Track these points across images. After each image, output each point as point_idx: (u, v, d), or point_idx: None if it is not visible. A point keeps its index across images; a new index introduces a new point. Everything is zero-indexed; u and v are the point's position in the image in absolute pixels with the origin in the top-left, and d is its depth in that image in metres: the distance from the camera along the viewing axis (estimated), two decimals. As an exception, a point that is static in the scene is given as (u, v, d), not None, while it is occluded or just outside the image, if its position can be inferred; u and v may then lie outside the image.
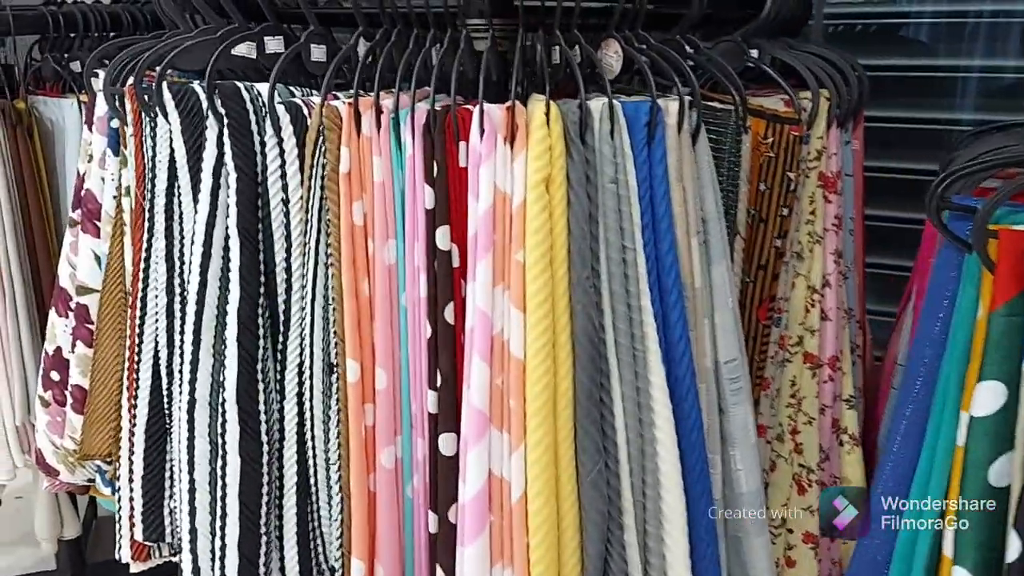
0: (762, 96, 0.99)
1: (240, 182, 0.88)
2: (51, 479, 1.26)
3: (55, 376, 1.22)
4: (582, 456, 0.83)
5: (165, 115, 0.92)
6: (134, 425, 1.03)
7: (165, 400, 1.01)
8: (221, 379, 0.90)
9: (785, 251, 1.00)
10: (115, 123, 1.11)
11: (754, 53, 1.02)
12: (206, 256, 0.90)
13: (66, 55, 1.48)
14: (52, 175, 1.46)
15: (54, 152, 1.45)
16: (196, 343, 0.90)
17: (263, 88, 0.91)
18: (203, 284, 0.90)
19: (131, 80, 0.97)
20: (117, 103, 1.04)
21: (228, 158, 0.88)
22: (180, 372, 0.94)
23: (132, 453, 1.04)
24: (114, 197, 1.12)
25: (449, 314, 0.85)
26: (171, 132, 0.93)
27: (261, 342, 0.91)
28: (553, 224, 0.81)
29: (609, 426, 0.83)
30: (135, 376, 1.03)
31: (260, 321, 0.91)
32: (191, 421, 0.91)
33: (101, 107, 1.12)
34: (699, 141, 0.85)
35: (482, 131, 0.80)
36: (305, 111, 0.89)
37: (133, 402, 1.03)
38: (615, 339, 0.83)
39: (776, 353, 1.04)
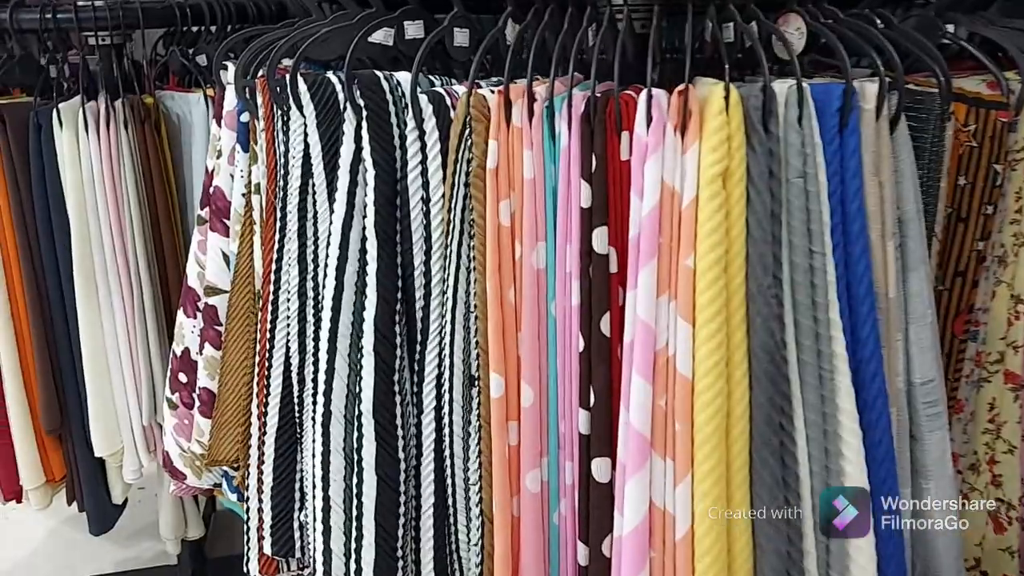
0: (961, 77, 0.87)
1: (378, 179, 0.83)
2: (177, 482, 1.25)
3: (183, 378, 1.21)
4: (758, 489, 0.74)
5: (300, 108, 0.87)
6: (264, 434, 1.00)
7: (296, 408, 0.98)
8: (357, 390, 0.85)
9: (987, 255, 0.88)
10: (245, 117, 1.07)
11: (950, 28, 0.90)
12: (342, 259, 0.85)
13: (192, 49, 1.47)
14: (179, 171, 1.46)
15: (181, 147, 1.45)
16: (331, 352, 0.86)
17: (403, 77, 0.85)
18: (339, 289, 0.85)
19: (263, 72, 0.93)
20: (248, 96, 1.01)
21: (367, 153, 0.83)
22: (314, 381, 0.90)
23: (262, 463, 1.00)
24: (243, 194, 1.10)
25: (605, 325, 0.77)
26: (306, 126, 0.88)
27: (398, 351, 0.86)
28: (730, 225, 0.72)
29: (790, 456, 0.74)
30: (265, 382, 0.99)
31: (397, 329, 0.85)
32: (326, 435, 0.86)
33: (230, 101, 1.09)
34: (898, 129, 0.75)
35: (649, 119, 0.72)
36: (448, 101, 0.82)
37: (263, 409, 1.00)
38: (798, 356, 0.73)
39: (972, 371, 0.92)
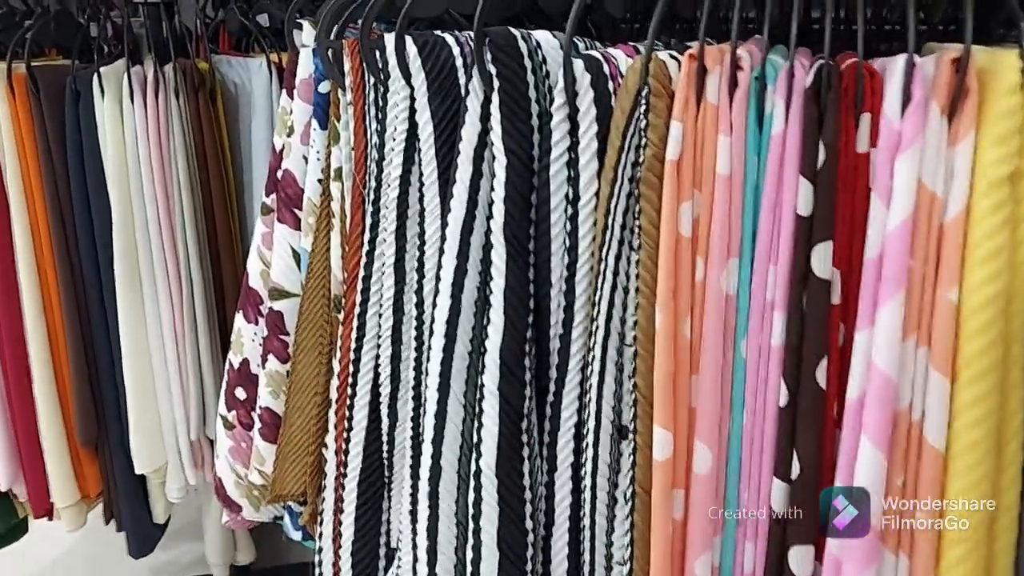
0: None
1: (511, 170, 0.65)
2: (232, 513, 1.10)
3: (240, 394, 1.05)
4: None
5: (407, 77, 0.70)
6: (343, 475, 0.83)
7: (385, 449, 0.81)
8: (475, 440, 0.67)
9: None
10: (325, 87, 0.90)
11: None
12: (459, 271, 0.67)
13: (251, 7, 1.30)
14: (235, 148, 1.29)
15: (238, 121, 1.28)
16: (443, 390, 0.68)
17: (542, 37, 0.67)
18: (454, 310, 0.68)
19: (351, 32, 0.76)
20: (331, 62, 0.83)
21: (496, 136, 0.65)
22: (416, 424, 0.73)
23: (340, 511, 0.84)
24: (319, 181, 0.92)
25: (821, 374, 0.59)
26: (412, 100, 0.70)
27: (527, 391, 0.68)
28: (1016, 246, 0.53)
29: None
30: (347, 413, 0.82)
31: (527, 363, 0.68)
32: (433, 495, 0.69)
33: (306, 67, 0.92)
34: None
35: (907, 97, 0.53)
36: (607, 69, 0.64)
37: (343, 445, 0.83)
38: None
39: None
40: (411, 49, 0.69)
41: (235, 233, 1.28)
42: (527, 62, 0.65)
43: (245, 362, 1.05)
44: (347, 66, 0.81)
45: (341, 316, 0.87)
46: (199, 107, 1.20)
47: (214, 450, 1.12)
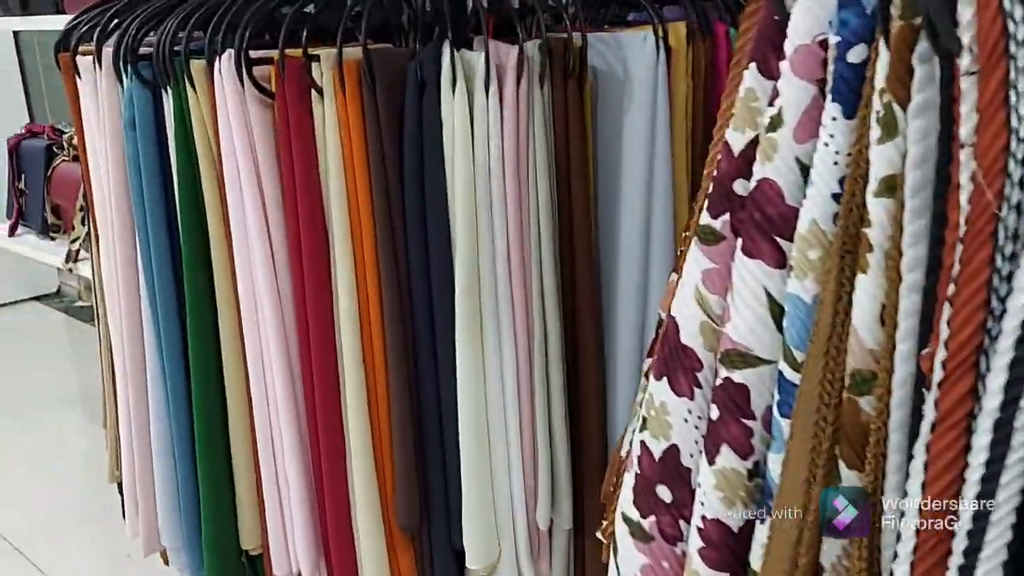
0: None
1: None
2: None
3: (664, 494, 0.78)
4: None
5: None
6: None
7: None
8: None
9: None
10: (857, 54, 0.61)
11: None
12: None
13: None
14: (594, 149, 1.03)
15: (603, 116, 1.02)
16: None
17: None
18: None
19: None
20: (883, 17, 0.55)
21: None
22: None
23: None
24: (834, 196, 0.64)
25: None
26: None
27: None
28: None
29: None
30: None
31: None
32: None
33: (810, 25, 0.64)
34: None
35: None
36: None
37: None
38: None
39: None
40: None
41: (594, 256, 1.02)
42: None
43: (672, 450, 0.77)
44: (967, 18, 0.51)
45: (878, 406, 0.58)
46: (567, 98, 0.95)
47: (612, 559, 0.85)
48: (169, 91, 1.02)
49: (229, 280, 1.05)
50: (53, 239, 2.61)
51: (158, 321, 1.11)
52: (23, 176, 2.63)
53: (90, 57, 1.12)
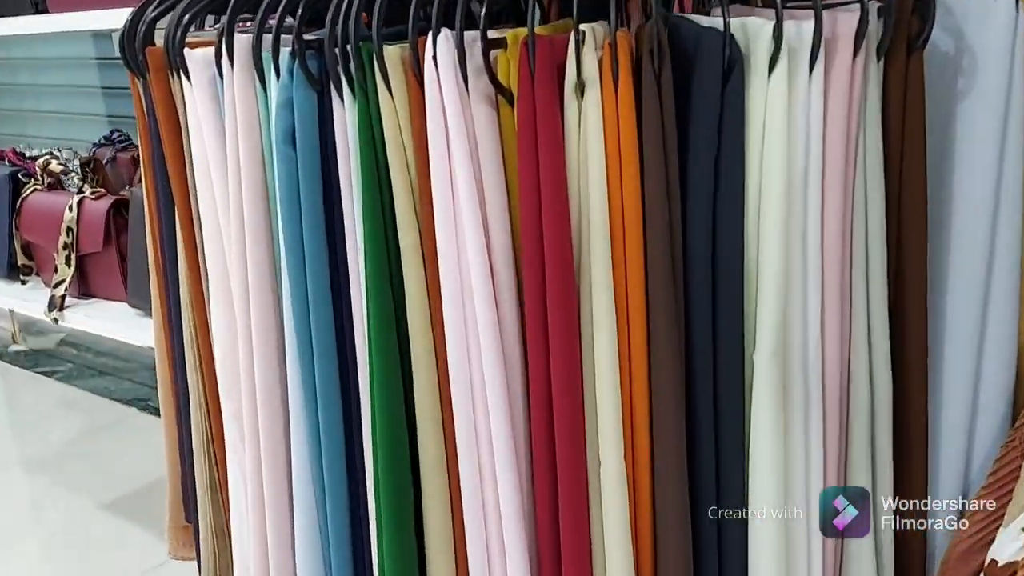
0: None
1: None
2: None
3: None
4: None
5: None
6: None
7: None
8: None
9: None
10: None
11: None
12: None
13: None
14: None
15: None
16: None
17: None
18: None
19: None
20: None
21: None
22: None
23: None
24: None
25: None
26: None
27: None
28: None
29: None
30: None
31: None
32: None
33: None
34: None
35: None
36: None
37: None
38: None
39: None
40: None
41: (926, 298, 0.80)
42: None
43: None
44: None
45: None
46: (905, 80, 0.73)
47: None
48: (343, 90, 0.78)
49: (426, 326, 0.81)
50: (24, 283, 2.28)
51: (314, 383, 0.86)
52: (-20, 210, 2.28)
53: (204, 50, 0.86)
